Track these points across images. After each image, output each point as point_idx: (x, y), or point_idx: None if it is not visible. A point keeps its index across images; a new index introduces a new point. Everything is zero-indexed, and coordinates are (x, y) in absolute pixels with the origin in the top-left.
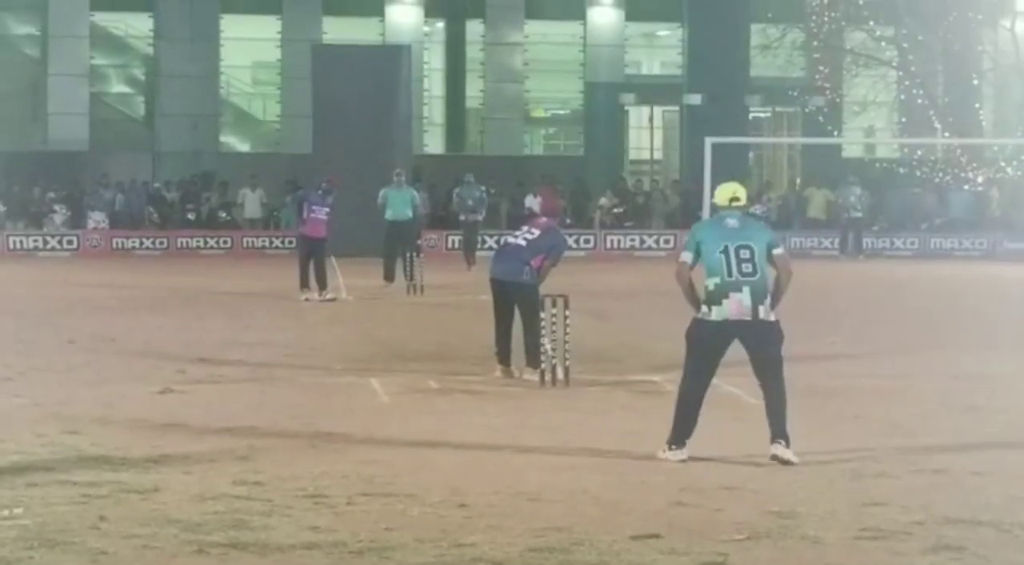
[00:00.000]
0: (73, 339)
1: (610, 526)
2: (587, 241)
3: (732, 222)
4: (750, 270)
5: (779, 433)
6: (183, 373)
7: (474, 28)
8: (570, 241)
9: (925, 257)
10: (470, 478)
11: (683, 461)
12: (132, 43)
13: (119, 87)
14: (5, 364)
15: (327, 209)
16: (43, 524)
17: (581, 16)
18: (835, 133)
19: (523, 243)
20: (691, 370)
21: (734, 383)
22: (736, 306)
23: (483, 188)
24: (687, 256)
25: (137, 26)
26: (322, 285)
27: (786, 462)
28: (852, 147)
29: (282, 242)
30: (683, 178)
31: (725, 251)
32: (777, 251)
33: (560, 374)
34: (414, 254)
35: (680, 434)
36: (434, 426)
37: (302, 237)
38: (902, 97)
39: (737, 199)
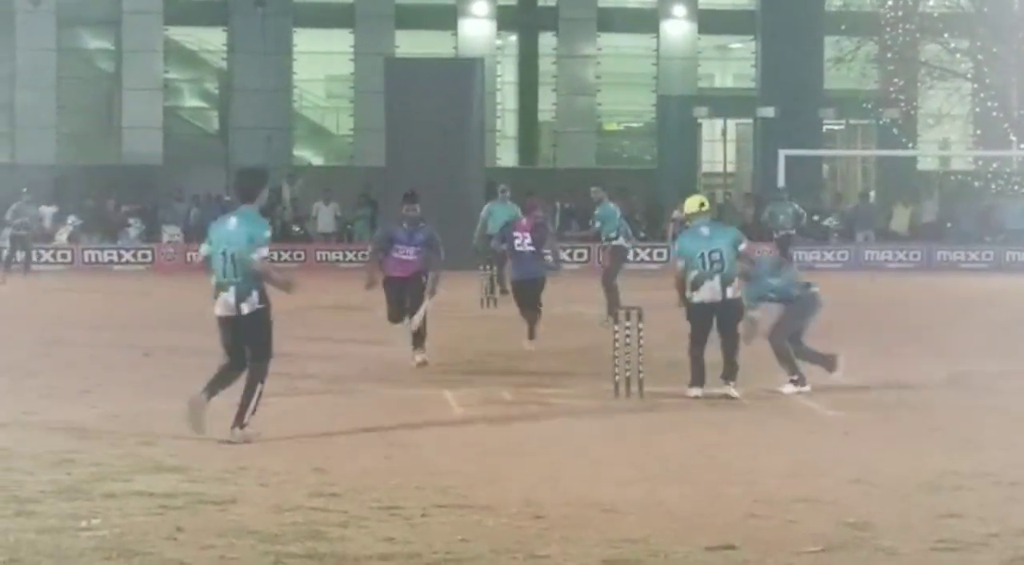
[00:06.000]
0: (149, 352)
1: (685, 538)
2: (660, 254)
3: (704, 230)
4: (719, 267)
5: (729, 375)
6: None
7: (547, 41)
8: (643, 254)
9: (1000, 269)
10: (545, 489)
11: (697, 397)
12: (206, 57)
13: (193, 101)
14: (82, 376)
15: (415, 247)
16: (121, 535)
17: (654, 29)
18: (909, 145)
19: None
20: (693, 336)
21: (807, 395)
22: (709, 292)
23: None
24: (680, 263)
25: (211, 40)
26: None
27: (732, 398)
28: (926, 160)
29: (356, 255)
30: (756, 190)
31: (702, 256)
32: (742, 247)
33: (634, 386)
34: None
35: (698, 378)
36: (508, 438)
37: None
38: (977, 109)
39: (703, 205)
